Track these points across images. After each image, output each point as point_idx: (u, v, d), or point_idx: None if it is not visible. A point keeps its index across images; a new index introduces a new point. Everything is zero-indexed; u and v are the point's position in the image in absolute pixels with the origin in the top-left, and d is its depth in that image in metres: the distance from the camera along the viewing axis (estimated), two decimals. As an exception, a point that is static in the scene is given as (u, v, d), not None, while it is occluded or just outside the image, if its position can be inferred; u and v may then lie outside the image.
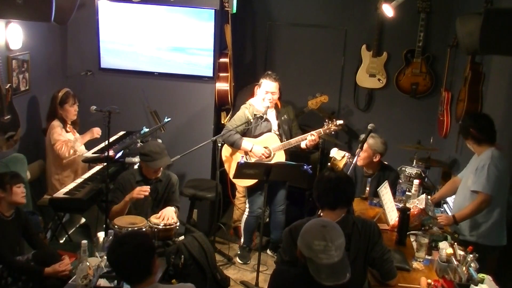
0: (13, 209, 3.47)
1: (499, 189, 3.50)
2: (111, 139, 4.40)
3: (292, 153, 4.82)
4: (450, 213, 4.08)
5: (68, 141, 4.42)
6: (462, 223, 3.66)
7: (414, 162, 4.69)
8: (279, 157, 4.56)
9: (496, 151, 3.53)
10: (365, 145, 4.26)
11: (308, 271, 2.28)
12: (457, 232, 3.69)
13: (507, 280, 3.30)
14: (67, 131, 4.50)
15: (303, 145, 4.52)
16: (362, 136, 4.23)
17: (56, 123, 4.43)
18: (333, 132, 4.57)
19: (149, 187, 3.78)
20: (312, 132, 4.46)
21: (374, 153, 4.27)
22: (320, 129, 4.49)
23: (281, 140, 4.58)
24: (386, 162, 4.48)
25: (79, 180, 4.37)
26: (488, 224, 3.56)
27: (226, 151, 4.68)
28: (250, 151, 4.53)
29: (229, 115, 5.35)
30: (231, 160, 4.67)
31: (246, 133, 4.60)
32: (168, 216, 3.69)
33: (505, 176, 3.54)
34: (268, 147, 4.57)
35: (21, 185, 3.46)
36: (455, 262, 2.97)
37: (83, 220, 4.90)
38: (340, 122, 4.50)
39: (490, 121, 3.60)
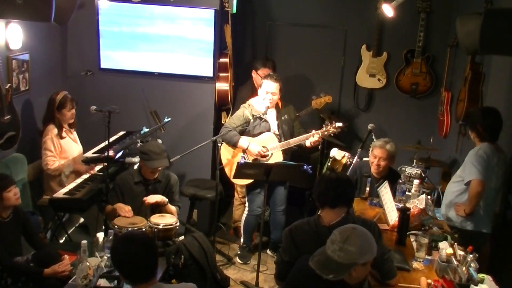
0: (10, 210, 3.43)
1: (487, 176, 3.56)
2: (111, 139, 4.40)
3: (292, 153, 4.82)
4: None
5: (57, 156, 4.38)
6: (447, 210, 3.78)
7: (414, 162, 4.69)
8: (277, 157, 4.56)
9: (487, 145, 3.60)
10: (384, 153, 4.21)
11: None
12: (449, 223, 3.76)
13: (506, 279, 3.30)
14: (62, 137, 4.44)
15: (307, 143, 4.51)
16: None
17: (51, 127, 4.37)
18: (332, 135, 4.56)
19: (129, 208, 3.76)
20: (314, 132, 4.46)
21: (392, 159, 4.27)
22: (319, 131, 4.48)
23: (280, 141, 4.58)
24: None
25: (79, 180, 4.36)
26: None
27: (226, 153, 4.68)
28: (247, 149, 4.53)
29: (229, 115, 5.35)
30: (231, 162, 4.66)
31: (244, 132, 4.60)
32: (155, 199, 3.80)
33: (491, 166, 3.57)
34: (266, 146, 4.57)
35: (11, 188, 3.38)
36: (455, 262, 2.97)
37: (82, 219, 4.90)
38: (339, 124, 4.48)
39: (499, 122, 3.62)
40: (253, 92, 5.04)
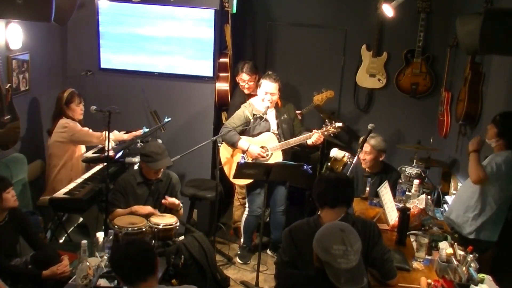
0: (5, 212, 3.40)
1: (496, 183, 3.49)
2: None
3: (293, 153, 4.82)
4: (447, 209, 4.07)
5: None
6: (458, 217, 3.68)
7: (414, 162, 4.69)
8: (277, 157, 4.56)
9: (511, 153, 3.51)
10: (368, 148, 4.28)
11: (321, 274, 2.28)
12: (453, 225, 3.72)
13: (506, 279, 3.30)
14: None
15: (309, 141, 4.51)
16: (362, 137, 4.25)
17: (64, 119, 4.40)
18: (331, 135, 4.56)
19: (149, 207, 3.82)
20: (314, 132, 4.47)
21: (378, 153, 4.30)
22: (319, 131, 4.48)
23: (280, 140, 4.58)
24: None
25: (79, 180, 4.36)
26: (478, 220, 3.58)
27: (225, 152, 4.68)
28: (246, 150, 4.53)
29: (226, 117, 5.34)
30: (231, 162, 4.67)
31: (244, 132, 4.60)
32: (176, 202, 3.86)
33: (507, 177, 3.50)
34: (266, 146, 4.56)
35: (10, 189, 3.38)
36: (455, 262, 2.97)
37: (81, 219, 4.90)
38: (339, 124, 4.48)
39: None
40: (245, 98, 5.02)
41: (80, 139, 4.43)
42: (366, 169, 4.40)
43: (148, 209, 3.76)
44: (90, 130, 4.47)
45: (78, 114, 4.50)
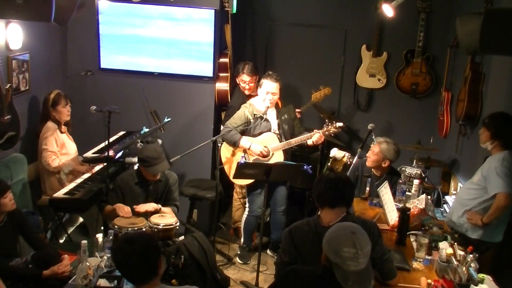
0: (4, 213, 3.37)
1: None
2: (111, 139, 4.41)
3: (293, 153, 4.82)
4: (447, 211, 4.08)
5: (57, 153, 4.41)
6: (459, 218, 3.68)
7: (414, 162, 4.69)
8: (278, 157, 4.56)
9: (508, 154, 3.52)
10: (377, 149, 4.27)
11: (328, 273, 2.28)
12: (454, 227, 3.71)
13: (506, 279, 3.30)
14: (62, 132, 4.49)
15: (309, 142, 4.51)
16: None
17: (50, 125, 4.41)
18: (332, 134, 4.57)
19: (129, 209, 3.75)
20: (315, 132, 4.47)
21: (384, 158, 4.27)
22: (320, 131, 4.48)
23: (280, 140, 4.58)
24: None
25: (79, 180, 4.36)
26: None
27: (226, 152, 4.68)
28: (249, 149, 4.53)
29: (223, 118, 5.32)
30: (231, 161, 4.66)
31: (245, 132, 4.60)
32: (146, 208, 3.75)
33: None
34: (267, 146, 4.57)
35: (7, 193, 3.34)
36: (455, 262, 2.97)
37: (81, 219, 4.90)
38: (340, 124, 4.49)
39: None
40: (245, 98, 5.02)
41: (41, 146, 4.39)
42: (373, 170, 4.38)
43: (126, 211, 3.70)
44: (50, 151, 4.36)
45: (64, 115, 4.49)
